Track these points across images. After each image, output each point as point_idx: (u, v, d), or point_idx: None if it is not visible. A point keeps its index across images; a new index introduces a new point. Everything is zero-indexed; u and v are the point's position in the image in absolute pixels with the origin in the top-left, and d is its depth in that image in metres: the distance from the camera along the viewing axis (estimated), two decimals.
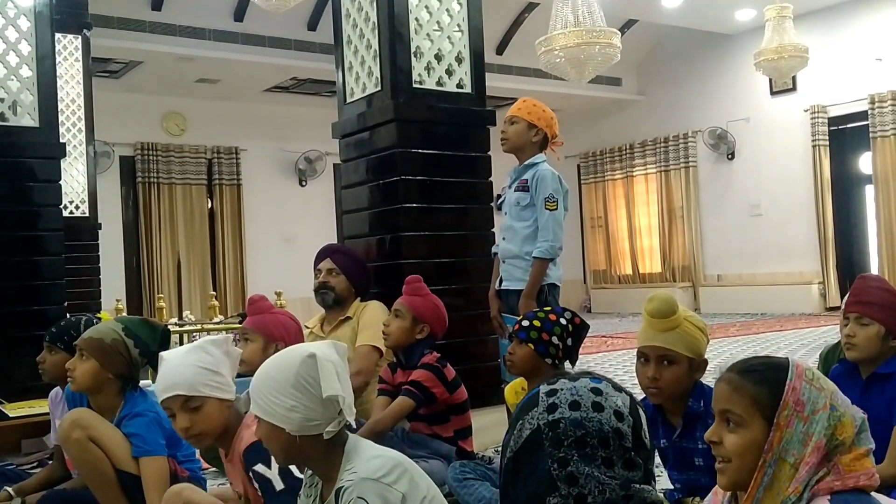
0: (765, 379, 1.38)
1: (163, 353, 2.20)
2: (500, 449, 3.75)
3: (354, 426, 1.76)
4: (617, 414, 1.18)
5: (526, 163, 3.59)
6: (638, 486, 1.15)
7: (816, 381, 1.37)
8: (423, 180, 4.18)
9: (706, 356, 2.24)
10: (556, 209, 3.47)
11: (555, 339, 2.69)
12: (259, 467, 1.92)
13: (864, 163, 11.22)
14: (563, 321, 2.73)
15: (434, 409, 3.08)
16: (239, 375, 2.18)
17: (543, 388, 1.22)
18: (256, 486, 1.94)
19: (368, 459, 1.67)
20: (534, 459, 1.17)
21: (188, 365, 2.10)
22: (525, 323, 2.75)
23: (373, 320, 3.66)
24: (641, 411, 1.22)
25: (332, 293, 3.83)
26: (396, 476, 1.63)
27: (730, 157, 12.33)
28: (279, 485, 1.93)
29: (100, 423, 2.42)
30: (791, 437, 1.33)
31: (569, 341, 2.72)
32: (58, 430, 2.42)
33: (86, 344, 2.59)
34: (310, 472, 1.80)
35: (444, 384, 3.06)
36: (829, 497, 1.31)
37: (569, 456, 1.14)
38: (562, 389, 1.20)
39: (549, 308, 2.82)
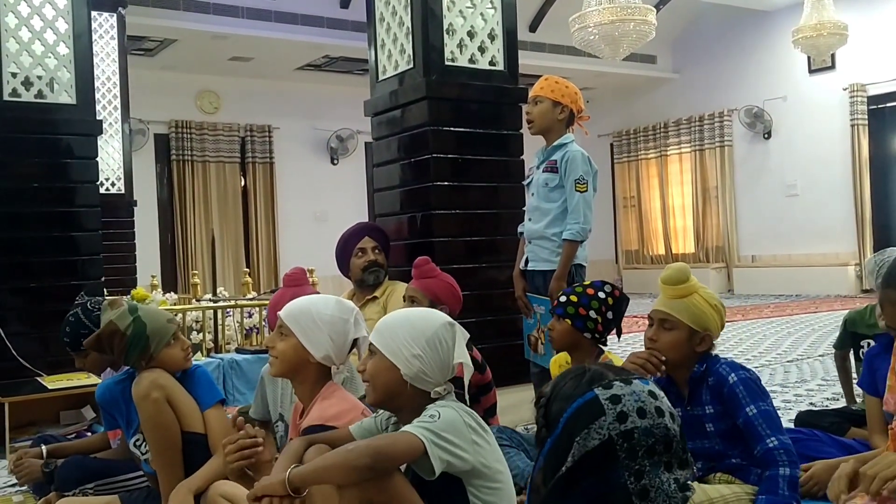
0: None
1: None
2: (528, 427, 3.75)
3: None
4: (671, 415, 1.18)
5: (555, 143, 3.54)
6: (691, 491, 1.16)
7: None
8: (454, 158, 4.17)
9: (721, 337, 2.32)
10: (586, 191, 3.43)
11: (592, 314, 2.65)
12: None
13: None
14: (601, 295, 2.68)
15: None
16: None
17: (602, 394, 1.18)
18: None
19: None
20: (603, 471, 1.14)
21: (306, 302, 2.22)
22: (563, 299, 2.71)
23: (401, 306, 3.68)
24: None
25: (382, 270, 3.89)
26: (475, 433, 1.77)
27: (766, 136, 12.15)
28: None
29: (175, 386, 2.47)
30: None
31: (609, 315, 2.68)
32: (134, 387, 2.43)
33: None
34: (393, 419, 1.90)
35: (475, 367, 3.05)
36: None
37: (643, 468, 1.14)
38: (624, 395, 1.17)
39: (588, 283, 2.77)
